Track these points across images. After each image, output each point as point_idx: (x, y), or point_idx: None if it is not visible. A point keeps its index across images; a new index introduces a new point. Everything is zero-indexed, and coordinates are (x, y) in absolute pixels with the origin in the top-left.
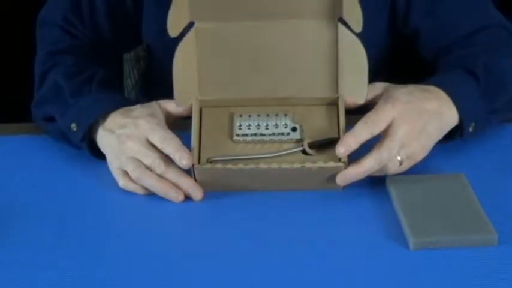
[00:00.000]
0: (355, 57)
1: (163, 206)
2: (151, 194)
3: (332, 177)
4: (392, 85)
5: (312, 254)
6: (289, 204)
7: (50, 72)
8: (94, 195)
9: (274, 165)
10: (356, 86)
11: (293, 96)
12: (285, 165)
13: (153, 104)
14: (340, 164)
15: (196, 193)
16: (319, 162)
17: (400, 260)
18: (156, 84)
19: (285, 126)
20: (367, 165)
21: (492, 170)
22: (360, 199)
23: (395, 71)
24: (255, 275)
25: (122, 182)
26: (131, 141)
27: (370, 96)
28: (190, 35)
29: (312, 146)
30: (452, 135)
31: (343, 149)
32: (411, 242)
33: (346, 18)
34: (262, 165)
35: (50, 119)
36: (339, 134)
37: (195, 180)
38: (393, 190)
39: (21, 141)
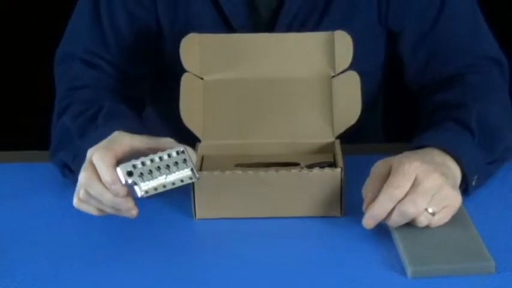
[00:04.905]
0: (348, 86)
1: (160, 231)
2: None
3: (330, 200)
4: (390, 157)
5: (309, 281)
6: (286, 231)
7: (64, 114)
8: (93, 222)
9: (273, 172)
10: (349, 106)
11: (292, 141)
12: (283, 171)
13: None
14: (337, 170)
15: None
16: (315, 169)
17: None
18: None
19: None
20: (391, 222)
21: (489, 198)
22: (358, 227)
23: (392, 104)
24: None
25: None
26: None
27: (378, 172)
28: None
29: (309, 168)
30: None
31: (370, 220)
32: (409, 270)
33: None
34: (261, 172)
35: (69, 168)
36: (334, 159)
37: (194, 194)
38: None
39: (23, 169)
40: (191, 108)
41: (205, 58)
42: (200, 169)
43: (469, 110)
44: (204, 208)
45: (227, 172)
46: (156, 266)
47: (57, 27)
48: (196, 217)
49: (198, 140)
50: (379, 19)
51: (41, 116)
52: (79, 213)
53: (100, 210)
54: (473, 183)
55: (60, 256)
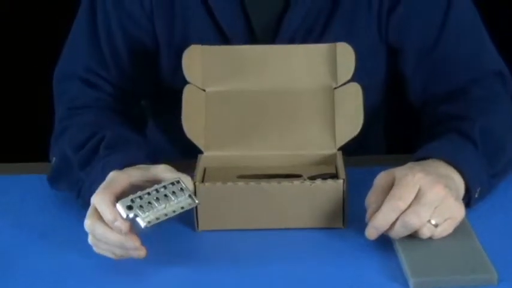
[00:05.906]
0: (350, 98)
1: (162, 242)
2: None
3: (332, 212)
4: (394, 168)
5: None
6: (288, 242)
7: (63, 134)
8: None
9: (275, 183)
10: (351, 118)
11: (294, 153)
12: (285, 183)
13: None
14: (339, 181)
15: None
16: (317, 181)
17: None
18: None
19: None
20: (394, 233)
21: (492, 210)
22: (360, 238)
23: (394, 116)
24: None
25: None
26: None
27: (381, 184)
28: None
29: (311, 179)
30: None
31: (373, 231)
32: (411, 281)
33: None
34: (263, 183)
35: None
36: (336, 170)
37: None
38: None
39: (26, 181)
40: (193, 120)
41: (207, 70)
42: (202, 181)
43: (472, 122)
44: (206, 220)
45: (229, 184)
46: (158, 277)
47: (57, 28)
48: (199, 228)
49: (200, 152)
50: (379, 37)
51: (41, 121)
52: (78, 224)
53: (113, 253)
54: (476, 195)
55: (60, 266)
